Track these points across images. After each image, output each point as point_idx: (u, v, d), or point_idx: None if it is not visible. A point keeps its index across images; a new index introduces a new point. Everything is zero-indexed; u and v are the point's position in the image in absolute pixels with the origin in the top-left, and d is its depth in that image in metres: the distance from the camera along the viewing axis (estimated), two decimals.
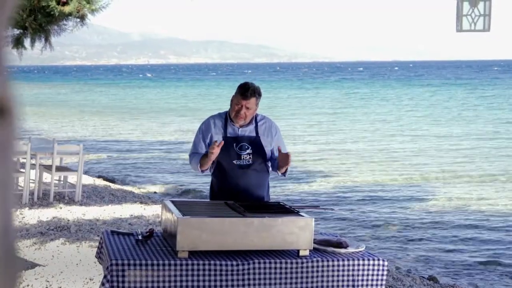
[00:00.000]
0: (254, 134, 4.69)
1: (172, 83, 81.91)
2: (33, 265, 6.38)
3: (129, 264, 3.77)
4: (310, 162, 16.46)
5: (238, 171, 4.63)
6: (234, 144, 4.63)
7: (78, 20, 9.79)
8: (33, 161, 9.58)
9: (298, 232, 4.01)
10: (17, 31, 9.89)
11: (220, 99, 44.97)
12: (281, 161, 4.61)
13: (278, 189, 12.60)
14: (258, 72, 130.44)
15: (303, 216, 4.11)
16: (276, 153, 4.75)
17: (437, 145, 19.76)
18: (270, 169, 4.79)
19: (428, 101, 40.79)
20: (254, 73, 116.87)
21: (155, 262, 3.80)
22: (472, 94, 47.00)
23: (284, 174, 4.77)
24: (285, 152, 4.61)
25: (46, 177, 10.15)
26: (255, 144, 4.65)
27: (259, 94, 4.64)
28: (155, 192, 12.76)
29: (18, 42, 10.31)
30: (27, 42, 10.41)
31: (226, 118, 4.72)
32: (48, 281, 5.90)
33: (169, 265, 3.81)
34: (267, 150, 4.71)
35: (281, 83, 75.24)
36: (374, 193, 12.74)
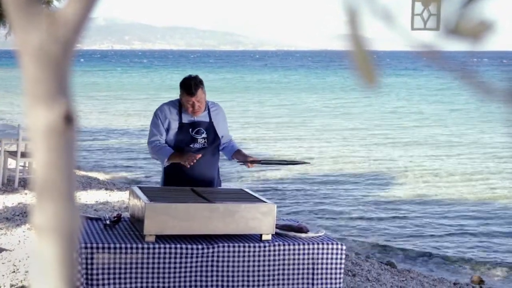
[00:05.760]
0: (207, 119, 4.98)
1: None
2: None
3: (97, 248, 3.91)
4: (273, 149, 16.68)
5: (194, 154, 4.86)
6: (191, 129, 4.91)
7: (44, 6, 9.80)
8: None
9: (261, 218, 4.19)
10: None
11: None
12: (239, 158, 4.97)
13: (245, 175, 12.79)
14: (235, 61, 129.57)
15: (265, 202, 4.30)
16: (223, 140, 5.07)
17: (403, 137, 20.16)
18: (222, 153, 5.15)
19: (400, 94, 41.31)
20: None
21: (123, 245, 3.95)
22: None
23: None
24: (247, 157, 4.97)
25: (11, 163, 10.17)
26: (209, 129, 4.96)
27: (201, 83, 4.90)
28: (119, 179, 12.83)
29: None
30: None
31: (180, 105, 4.94)
32: (15, 265, 6.00)
33: (137, 248, 3.97)
34: (219, 134, 5.02)
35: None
36: (336, 182, 13.02)
